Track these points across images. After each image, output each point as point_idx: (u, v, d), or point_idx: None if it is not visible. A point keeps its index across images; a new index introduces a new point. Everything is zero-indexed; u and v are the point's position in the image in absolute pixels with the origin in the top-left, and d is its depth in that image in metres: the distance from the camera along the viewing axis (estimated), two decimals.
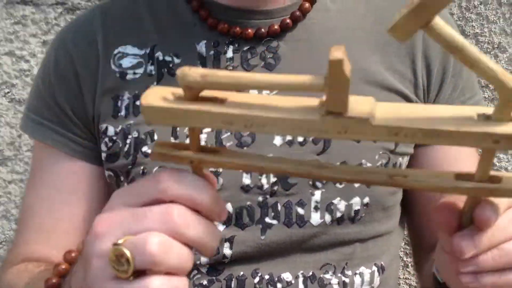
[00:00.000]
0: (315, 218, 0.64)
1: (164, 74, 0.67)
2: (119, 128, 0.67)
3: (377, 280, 0.68)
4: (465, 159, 0.72)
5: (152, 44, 0.69)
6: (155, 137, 0.65)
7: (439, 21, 0.34)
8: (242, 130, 0.39)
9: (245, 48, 0.67)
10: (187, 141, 0.64)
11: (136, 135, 0.66)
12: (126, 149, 0.67)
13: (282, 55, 0.67)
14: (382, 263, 0.69)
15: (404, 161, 0.71)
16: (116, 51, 0.69)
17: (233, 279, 0.64)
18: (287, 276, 0.65)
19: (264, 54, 0.67)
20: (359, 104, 0.37)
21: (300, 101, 0.38)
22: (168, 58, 0.68)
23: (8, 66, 1.04)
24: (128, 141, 0.66)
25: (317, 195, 0.64)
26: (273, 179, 0.64)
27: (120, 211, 0.42)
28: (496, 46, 0.98)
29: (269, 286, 0.64)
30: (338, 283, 0.65)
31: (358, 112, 0.37)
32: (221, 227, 0.64)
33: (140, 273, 0.40)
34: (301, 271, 0.65)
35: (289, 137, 0.64)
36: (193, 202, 0.41)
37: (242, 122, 0.38)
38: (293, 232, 0.64)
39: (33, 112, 0.73)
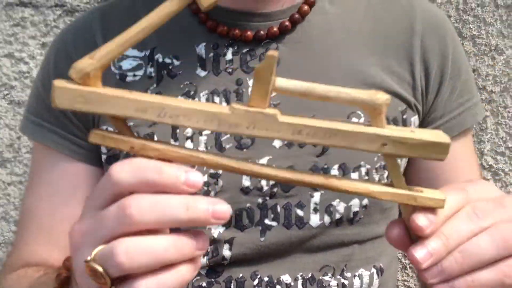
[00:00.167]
0: (314, 219, 0.64)
1: (163, 76, 0.68)
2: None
3: (376, 282, 0.69)
4: (463, 163, 0.73)
5: (152, 46, 0.69)
6: (155, 138, 0.65)
7: (280, 82, 0.38)
8: (155, 119, 0.39)
9: (245, 51, 0.67)
10: (188, 143, 0.64)
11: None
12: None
13: (281, 58, 0.67)
14: (381, 264, 0.70)
15: (402, 163, 0.71)
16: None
17: (232, 281, 0.64)
18: (286, 278, 0.65)
19: (263, 56, 0.67)
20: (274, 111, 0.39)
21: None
22: (167, 60, 0.68)
23: (7, 68, 1.04)
24: None
25: (316, 196, 0.64)
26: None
27: (86, 219, 0.41)
28: (493, 48, 0.98)
29: None
30: (337, 285, 0.66)
31: (268, 110, 0.39)
32: (220, 229, 0.64)
33: (124, 277, 0.39)
34: (301, 273, 0.65)
35: None
36: (149, 185, 0.38)
37: (156, 111, 0.38)
38: (292, 233, 0.64)
39: (33, 114, 0.73)
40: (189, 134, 0.65)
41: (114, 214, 0.38)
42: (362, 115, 0.66)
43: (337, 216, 0.65)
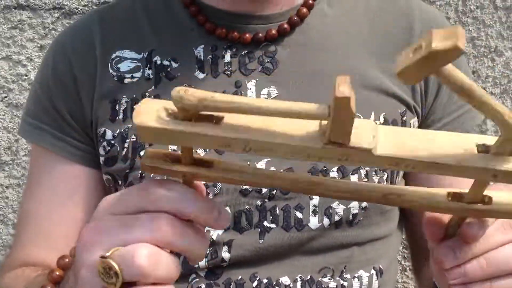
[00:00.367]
0: (314, 222, 0.64)
1: (161, 78, 0.67)
2: (117, 132, 0.67)
3: (375, 283, 0.68)
4: None
5: (150, 48, 0.69)
6: None
7: (449, 66, 0.33)
8: (240, 152, 0.38)
9: (243, 53, 0.67)
10: None
11: (134, 139, 0.66)
12: (124, 153, 0.67)
13: (280, 60, 0.67)
14: (380, 266, 0.69)
15: None
16: (114, 56, 0.69)
17: (232, 283, 0.64)
18: (285, 280, 0.65)
19: (262, 58, 0.67)
20: (361, 131, 0.37)
21: (299, 124, 0.37)
22: (166, 63, 0.68)
23: (5, 70, 1.04)
24: (126, 145, 0.67)
25: (316, 199, 0.64)
26: None
27: (108, 220, 0.41)
28: (492, 50, 0.98)
29: None
30: (337, 287, 0.65)
31: (360, 142, 0.36)
32: (219, 231, 0.64)
33: (128, 283, 0.40)
34: (300, 275, 0.65)
35: None
36: (181, 212, 0.40)
37: (241, 146, 0.37)
38: (291, 236, 0.64)
39: (31, 116, 0.73)
40: None
41: (146, 224, 0.40)
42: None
43: (336, 218, 0.64)
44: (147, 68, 0.68)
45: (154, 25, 0.70)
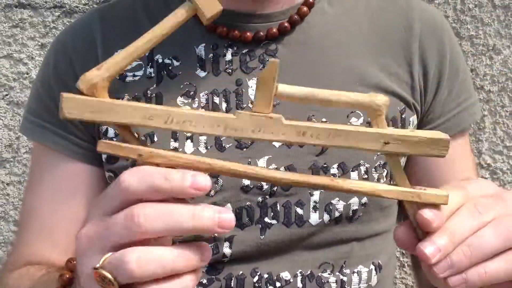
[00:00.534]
0: (314, 218, 0.65)
1: (163, 77, 0.68)
2: None
3: (374, 278, 0.69)
4: (460, 163, 0.73)
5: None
6: (155, 138, 0.66)
7: (282, 88, 0.40)
8: (161, 126, 0.40)
9: (244, 51, 0.68)
10: (188, 143, 0.65)
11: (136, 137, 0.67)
12: None
13: (280, 58, 0.67)
14: (379, 261, 0.70)
15: (401, 161, 0.72)
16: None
17: (233, 278, 0.65)
18: (286, 275, 0.65)
19: (262, 57, 0.67)
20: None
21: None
22: (167, 61, 0.68)
23: (6, 69, 1.05)
24: None
25: (316, 195, 0.65)
26: None
27: (93, 225, 0.42)
28: (491, 48, 0.99)
29: (268, 285, 0.64)
30: (336, 282, 0.66)
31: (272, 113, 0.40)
32: None
33: (130, 285, 0.40)
34: (300, 270, 0.66)
35: None
36: (157, 190, 0.39)
37: (162, 118, 0.39)
38: (292, 231, 0.65)
39: (33, 114, 0.73)
40: (189, 134, 0.65)
41: (123, 222, 0.39)
42: (361, 114, 0.66)
43: (336, 214, 0.65)
44: (148, 67, 0.69)
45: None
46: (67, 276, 0.53)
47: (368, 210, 0.67)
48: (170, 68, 0.68)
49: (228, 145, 0.65)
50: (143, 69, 0.69)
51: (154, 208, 0.39)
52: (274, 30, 0.67)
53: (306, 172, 0.64)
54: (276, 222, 0.65)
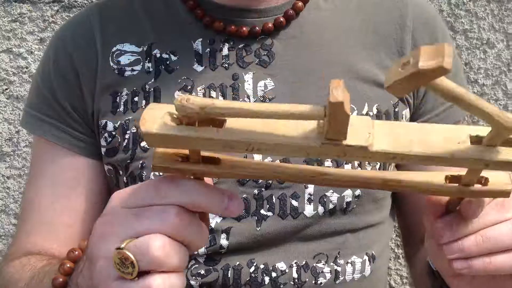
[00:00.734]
0: (309, 210, 0.66)
1: (161, 71, 0.69)
2: (118, 123, 0.68)
3: (368, 268, 0.70)
4: None
5: (150, 42, 0.70)
6: None
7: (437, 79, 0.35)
8: (244, 153, 0.40)
9: (240, 46, 0.68)
10: None
11: (135, 130, 0.67)
12: (125, 143, 0.68)
13: (276, 53, 0.68)
14: (373, 252, 0.71)
15: None
16: (114, 49, 0.71)
17: (230, 268, 0.66)
18: (281, 265, 0.66)
19: (258, 51, 0.68)
20: (357, 128, 0.38)
21: (298, 123, 0.39)
22: (165, 56, 0.69)
23: (6, 63, 1.05)
24: (127, 136, 0.68)
25: (311, 188, 0.66)
26: None
27: (121, 213, 0.44)
28: (485, 42, 1.00)
29: (264, 275, 0.66)
30: (330, 272, 0.67)
31: (356, 140, 0.38)
32: (218, 219, 0.66)
33: (143, 272, 0.42)
34: (295, 261, 0.67)
35: None
36: (192, 204, 0.43)
37: (243, 147, 0.39)
38: (287, 223, 0.66)
39: (33, 108, 0.74)
40: None
41: (158, 215, 0.42)
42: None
43: (331, 206, 0.66)
44: (147, 61, 0.70)
45: (153, 19, 0.71)
46: (68, 265, 0.54)
47: (361, 202, 0.68)
48: (167, 62, 0.69)
49: None
50: (142, 63, 0.70)
51: (189, 219, 0.43)
52: (270, 25, 0.68)
53: (300, 164, 0.65)
54: (272, 214, 0.66)
